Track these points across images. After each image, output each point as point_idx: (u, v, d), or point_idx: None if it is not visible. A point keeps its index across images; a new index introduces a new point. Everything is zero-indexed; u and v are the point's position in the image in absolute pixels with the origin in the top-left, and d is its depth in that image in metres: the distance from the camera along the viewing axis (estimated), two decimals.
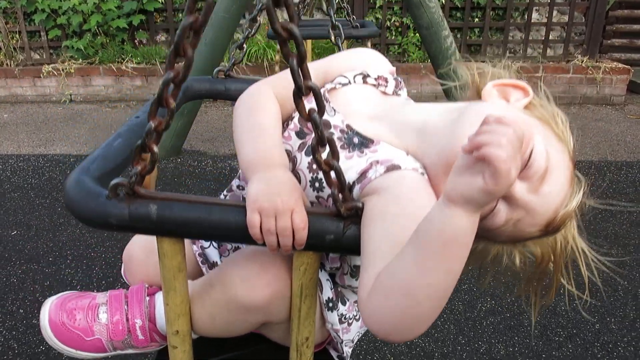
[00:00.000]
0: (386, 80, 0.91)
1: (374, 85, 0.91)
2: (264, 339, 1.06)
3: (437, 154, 0.77)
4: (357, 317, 0.97)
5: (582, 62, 5.14)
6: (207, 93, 1.25)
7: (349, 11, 3.10)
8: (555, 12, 5.31)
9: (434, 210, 0.61)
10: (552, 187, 0.76)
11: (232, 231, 0.73)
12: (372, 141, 0.83)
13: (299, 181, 0.82)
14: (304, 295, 0.78)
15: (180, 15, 5.29)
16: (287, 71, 0.89)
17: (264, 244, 0.72)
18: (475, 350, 1.99)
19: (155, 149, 0.69)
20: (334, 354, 1.03)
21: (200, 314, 0.84)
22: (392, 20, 5.34)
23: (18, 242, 2.68)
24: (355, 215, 0.74)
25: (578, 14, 5.38)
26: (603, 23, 5.32)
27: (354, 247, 0.73)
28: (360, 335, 1.01)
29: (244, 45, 1.32)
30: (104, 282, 2.38)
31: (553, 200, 0.77)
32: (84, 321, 0.87)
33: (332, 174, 0.71)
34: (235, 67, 1.28)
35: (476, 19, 5.34)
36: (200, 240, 1.05)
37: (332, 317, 0.92)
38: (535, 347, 2.00)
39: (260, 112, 0.84)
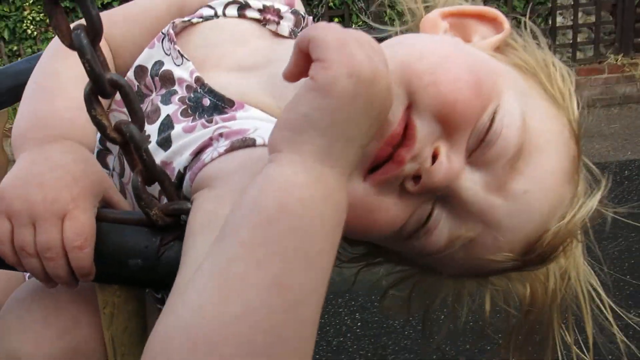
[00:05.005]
0: (279, 15, 0.62)
1: (258, 20, 0.62)
2: None
3: None
4: None
5: (616, 60, 4.82)
6: None
7: None
8: (580, 14, 5.02)
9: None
10: (532, 182, 0.45)
11: None
12: (231, 103, 0.55)
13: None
14: (120, 355, 0.50)
15: None
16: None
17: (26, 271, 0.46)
18: None
19: None
20: None
21: None
22: None
23: None
24: (178, 225, 0.46)
25: (605, 13, 5.09)
26: (633, 19, 4.96)
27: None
28: None
29: None
30: None
31: (534, 205, 0.45)
32: None
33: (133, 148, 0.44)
34: None
35: None
36: None
37: None
38: None
39: (65, 59, 0.54)
